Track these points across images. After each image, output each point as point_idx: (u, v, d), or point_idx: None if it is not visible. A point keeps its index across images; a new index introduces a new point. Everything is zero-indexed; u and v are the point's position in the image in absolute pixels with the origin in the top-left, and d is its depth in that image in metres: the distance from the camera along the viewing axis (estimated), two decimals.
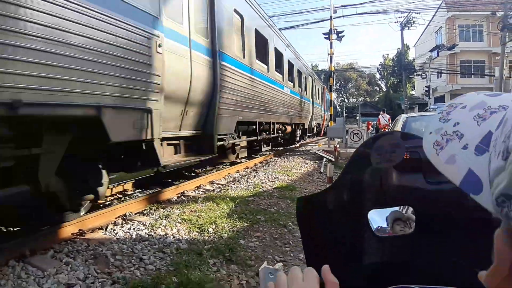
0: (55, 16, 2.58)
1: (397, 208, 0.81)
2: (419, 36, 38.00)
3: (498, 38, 20.60)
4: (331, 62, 16.58)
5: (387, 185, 0.80)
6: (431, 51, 26.68)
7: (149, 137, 3.83)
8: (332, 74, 17.20)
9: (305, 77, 15.31)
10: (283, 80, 10.55)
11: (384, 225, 0.78)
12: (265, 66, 8.66)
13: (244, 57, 7.03)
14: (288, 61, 11.42)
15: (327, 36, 16.05)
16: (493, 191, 0.24)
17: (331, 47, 16.05)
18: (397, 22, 25.72)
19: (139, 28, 3.57)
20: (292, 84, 12.15)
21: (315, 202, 0.84)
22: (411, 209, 0.79)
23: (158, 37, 3.92)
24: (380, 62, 54.10)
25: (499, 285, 0.27)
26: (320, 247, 0.53)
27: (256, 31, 7.85)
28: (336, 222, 0.81)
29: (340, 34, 16.06)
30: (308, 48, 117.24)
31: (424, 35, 34.83)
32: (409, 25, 25.35)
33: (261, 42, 8.44)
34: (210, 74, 5.45)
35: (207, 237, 3.54)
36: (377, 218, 0.76)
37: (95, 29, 2.97)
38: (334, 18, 16.48)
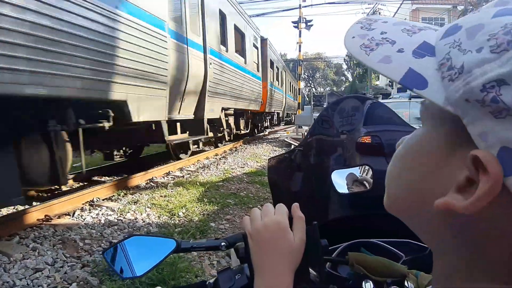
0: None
1: (357, 169, 0.90)
2: None
3: None
4: (299, 51, 16.78)
5: (349, 147, 0.89)
6: None
7: None
8: (301, 63, 17.43)
9: (293, 86, 23.91)
10: (287, 92, 20.22)
11: (345, 186, 0.86)
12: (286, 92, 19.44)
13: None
14: (290, 82, 22.16)
15: (296, 24, 16.18)
16: (471, 80, 0.26)
17: (299, 36, 16.22)
18: (364, 13, 26.33)
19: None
20: (292, 94, 23.27)
21: (284, 160, 0.93)
22: (370, 173, 0.88)
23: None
24: (347, 53, 55.16)
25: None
26: (287, 200, 0.61)
27: (283, 72, 18.79)
28: (302, 178, 0.91)
29: (309, 23, 16.25)
30: (278, 37, 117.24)
31: None
32: None
33: (289, 81, 21.04)
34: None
35: (177, 221, 3.60)
36: (338, 179, 0.85)
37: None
38: (303, 7, 16.63)
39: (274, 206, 0.59)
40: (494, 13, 0.27)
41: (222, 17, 7.56)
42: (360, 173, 0.89)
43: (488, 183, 0.25)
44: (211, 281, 0.64)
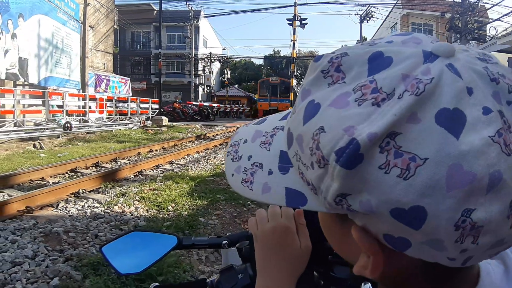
0: None
1: None
2: (376, 30, 39.39)
3: (445, 37, 21.89)
4: (293, 48, 16.74)
5: None
6: None
7: None
8: (294, 60, 17.42)
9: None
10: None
11: None
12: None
13: None
14: None
15: (290, 22, 16.12)
16: (325, 195, 0.27)
17: (294, 34, 16.17)
18: (357, 14, 26.41)
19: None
20: None
21: None
22: None
23: None
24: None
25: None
26: None
27: None
28: None
29: (303, 21, 16.20)
30: (271, 33, 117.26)
31: (381, 30, 36.12)
32: (368, 19, 26.11)
33: None
34: None
35: (166, 215, 3.49)
36: None
37: None
38: (298, 5, 16.56)
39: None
40: (304, 120, 0.28)
41: None
42: None
43: (371, 257, 0.27)
44: (214, 279, 0.62)
